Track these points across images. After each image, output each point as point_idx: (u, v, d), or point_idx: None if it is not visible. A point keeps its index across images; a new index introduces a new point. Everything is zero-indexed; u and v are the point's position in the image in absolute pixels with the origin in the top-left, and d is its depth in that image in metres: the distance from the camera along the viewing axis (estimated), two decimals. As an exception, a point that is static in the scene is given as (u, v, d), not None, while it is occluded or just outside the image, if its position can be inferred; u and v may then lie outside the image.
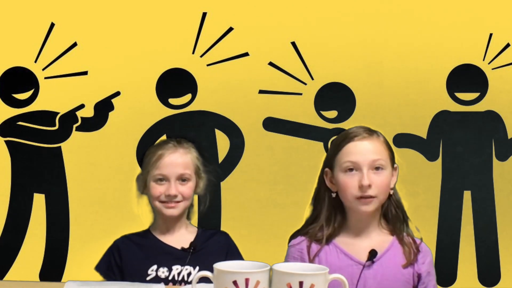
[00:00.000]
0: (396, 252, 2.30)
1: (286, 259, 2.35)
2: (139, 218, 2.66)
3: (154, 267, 2.49)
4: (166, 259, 2.50)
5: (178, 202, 2.52)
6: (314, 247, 2.31)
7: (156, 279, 2.46)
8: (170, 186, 2.51)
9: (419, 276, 2.30)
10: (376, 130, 2.35)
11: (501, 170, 3.26)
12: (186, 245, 2.52)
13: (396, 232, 2.33)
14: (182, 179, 2.53)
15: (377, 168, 2.26)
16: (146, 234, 2.59)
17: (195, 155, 2.59)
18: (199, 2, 3.28)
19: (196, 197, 2.66)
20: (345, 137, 2.31)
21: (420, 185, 3.23)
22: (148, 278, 2.46)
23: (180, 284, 2.46)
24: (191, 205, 2.61)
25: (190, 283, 2.44)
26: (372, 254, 2.26)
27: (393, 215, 2.34)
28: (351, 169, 2.27)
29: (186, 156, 2.56)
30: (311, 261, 2.28)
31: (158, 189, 2.52)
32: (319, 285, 1.75)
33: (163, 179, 2.52)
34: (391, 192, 2.31)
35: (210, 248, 2.55)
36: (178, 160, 2.54)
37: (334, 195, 2.32)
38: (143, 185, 2.58)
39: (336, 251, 2.30)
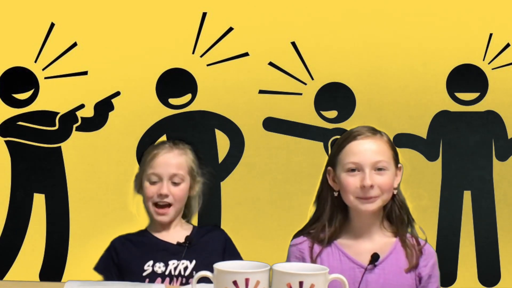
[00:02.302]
0: (399, 256, 2.26)
1: (288, 259, 2.34)
2: (139, 218, 2.66)
3: (150, 262, 2.49)
4: (162, 254, 2.51)
5: (169, 206, 2.52)
6: (316, 248, 2.29)
7: (153, 274, 2.47)
8: (162, 186, 2.51)
9: (420, 279, 2.26)
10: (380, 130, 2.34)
11: (501, 170, 3.26)
12: (182, 241, 2.53)
13: (399, 234, 2.29)
14: (175, 180, 2.53)
15: (379, 169, 2.24)
16: (143, 233, 2.60)
17: (191, 157, 2.59)
18: (199, 2, 3.28)
19: (196, 197, 2.65)
20: (348, 135, 2.29)
21: (420, 185, 3.23)
22: (144, 274, 2.47)
23: (177, 279, 2.46)
24: (187, 205, 2.62)
25: (186, 277, 2.46)
26: (374, 258, 2.23)
27: (396, 215, 2.30)
28: (353, 169, 2.25)
29: (181, 157, 2.56)
30: (313, 262, 2.26)
31: (151, 189, 2.53)
32: (319, 285, 1.75)
33: (156, 179, 2.52)
34: (395, 192, 2.28)
35: (206, 242, 2.55)
36: (172, 160, 2.54)
37: (336, 194, 2.30)
38: (139, 184, 2.59)
39: (338, 253, 2.28)
